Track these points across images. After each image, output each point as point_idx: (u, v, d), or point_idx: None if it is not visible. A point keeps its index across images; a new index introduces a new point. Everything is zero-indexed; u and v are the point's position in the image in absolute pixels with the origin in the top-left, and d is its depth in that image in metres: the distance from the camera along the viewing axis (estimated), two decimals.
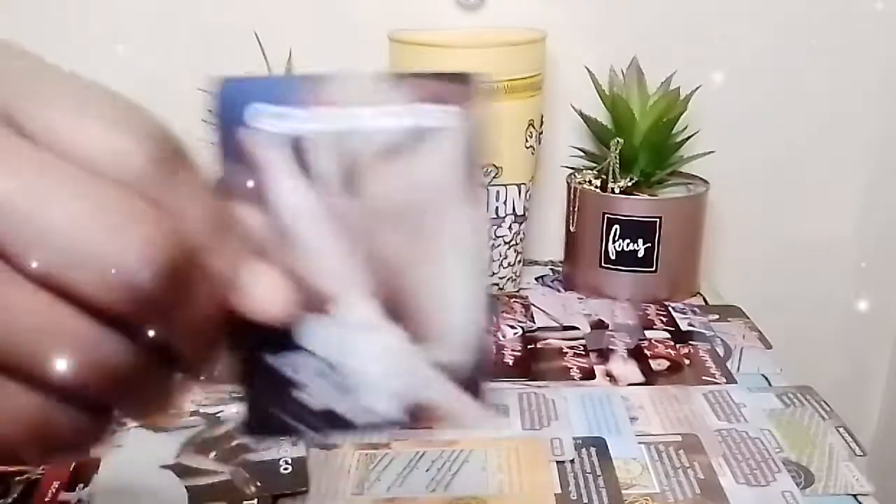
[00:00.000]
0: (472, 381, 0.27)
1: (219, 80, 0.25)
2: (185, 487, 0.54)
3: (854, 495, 0.55)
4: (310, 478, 0.55)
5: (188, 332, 0.23)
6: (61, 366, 0.20)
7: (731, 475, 0.57)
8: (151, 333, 0.22)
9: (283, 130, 0.25)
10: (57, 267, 0.20)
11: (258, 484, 0.54)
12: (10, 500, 0.54)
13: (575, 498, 0.54)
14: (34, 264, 0.20)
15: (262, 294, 0.24)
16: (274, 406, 0.26)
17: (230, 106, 0.25)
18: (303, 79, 0.25)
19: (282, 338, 0.25)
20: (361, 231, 0.25)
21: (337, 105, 0.25)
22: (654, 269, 0.85)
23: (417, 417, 0.27)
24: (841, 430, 0.63)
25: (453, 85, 0.26)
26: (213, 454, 0.57)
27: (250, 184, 0.25)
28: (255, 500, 0.53)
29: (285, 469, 0.56)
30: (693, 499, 0.54)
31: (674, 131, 0.86)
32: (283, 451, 0.57)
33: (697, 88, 0.86)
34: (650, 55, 0.88)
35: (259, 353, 0.25)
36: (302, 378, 0.26)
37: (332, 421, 0.26)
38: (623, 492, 0.55)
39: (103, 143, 0.21)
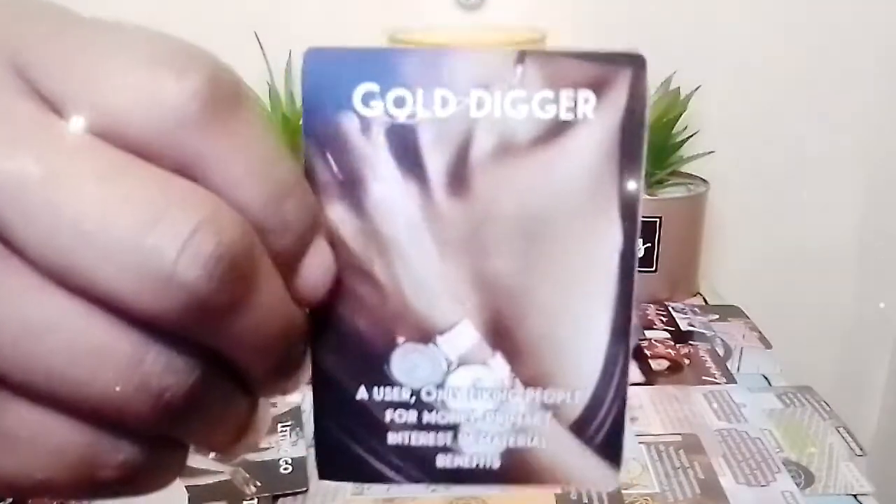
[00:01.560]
0: (597, 434, 0.22)
1: (314, 52, 0.20)
2: (185, 487, 0.54)
3: (854, 495, 0.55)
4: (309, 478, 0.55)
5: (256, 343, 0.18)
6: (101, 389, 0.16)
7: (731, 475, 0.57)
8: (209, 346, 0.17)
9: (396, 119, 0.20)
10: (85, 266, 0.15)
11: (258, 484, 0.54)
12: (9, 500, 0.54)
13: (575, 498, 0.54)
14: (58, 263, 0.16)
15: (311, 276, 0.19)
16: (357, 446, 0.22)
17: (331, 85, 0.20)
18: (419, 56, 0.21)
19: (370, 367, 0.21)
20: (472, 243, 0.21)
21: (458, 89, 0.20)
22: (654, 269, 0.85)
23: (517, 469, 0.22)
24: (841, 430, 0.63)
25: (604, 66, 0.21)
26: (213, 454, 0.57)
27: (342, 178, 0.20)
28: (255, 500, 0.53)
29: (285, 469, 0.56)
30: (693, 499, 0.54)
31: (674, 131, 0.86)
32: (283, 451, 0.57)
33: (697, 88, 0.86)
34: (650, 55, 0.88)
35: (341, 383, 0.21)
36: (391, 415, 0.22)
37: (420, 465, 0.22)
38: (623, 492, 0.55)
39: (134, 86, 0.16)
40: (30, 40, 0.17)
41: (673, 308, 0.84)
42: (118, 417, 0.17)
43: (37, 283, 0.16)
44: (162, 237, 0.15)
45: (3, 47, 0.16)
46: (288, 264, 0.18)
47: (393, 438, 0.22)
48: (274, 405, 0.63)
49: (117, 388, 0.16)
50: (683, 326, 0.80)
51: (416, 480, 0.22)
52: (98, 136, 0.16)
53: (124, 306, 0.16)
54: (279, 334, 0.18)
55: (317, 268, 0.19)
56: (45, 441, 0.17)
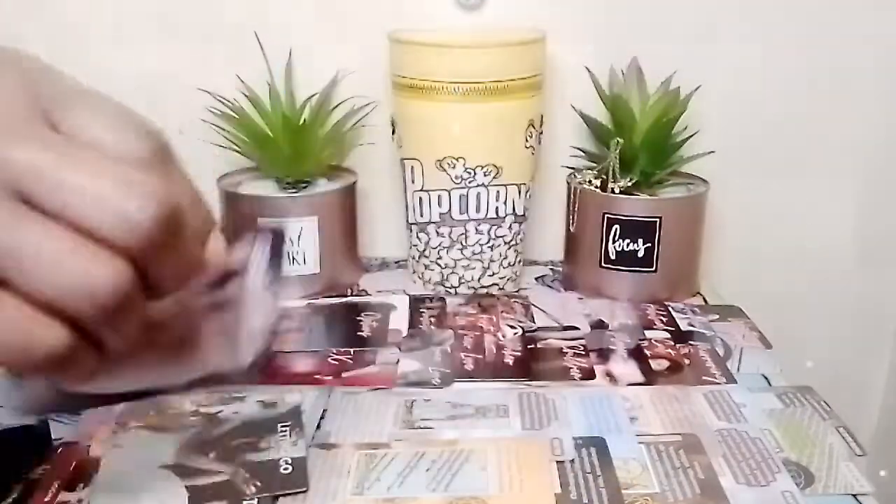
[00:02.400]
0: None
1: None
2: (185, 487, 0.54)
3: (854, 495, 0.55)
4: (309, 478, 0.55)
5: (176, 277, 0.32)
6: (77, 288, 0.28)
7: (731, 475, 0.57)
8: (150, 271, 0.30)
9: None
10: (81, 210, 0.27)
11: (258, 484, 0.54)
12: (10, 499, 0.54)
13: (575, 498, 0.54)
14: (61, 205, 0.27)
15: (213, 251, 0.35)
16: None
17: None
18: None
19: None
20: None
21: None
22: (654, 269, 0.85)
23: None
24: (841, 430, 0.63)
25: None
26: (213, 454, 0.57)
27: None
28: (255, 500, 0.53)
29: (285, 469, 0.56)
30: (693, 499, 0.54)
31: (674, 131, 0.86)
32: (282, 451, 0.58)
33: (697, 88, 0.86)
34: (650, 55, 0.88)
35: None
36: None
37: None
38: (623, 492, 0.55)
39: (116, 139, 0.29)
40: (52, 97, 0.30)
41: (673, 308, 0.84)
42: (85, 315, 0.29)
43: (41, 218, 0.28)
44: (130, 194, 0.28)
45: (43, 108, 0.29)
46: (202, 239, 0.34)
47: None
48: (273, 405, 0.63)
49: (92, 291, 0.28)
50: (683, 326, 0.80)
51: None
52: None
53: (104, 237, 0.28)
54: (192, 269, 0.33)
55: (216, 246, 0.35)
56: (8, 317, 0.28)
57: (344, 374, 0.71)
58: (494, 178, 0.84)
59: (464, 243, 0.86)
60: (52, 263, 0.27)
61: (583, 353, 0.75)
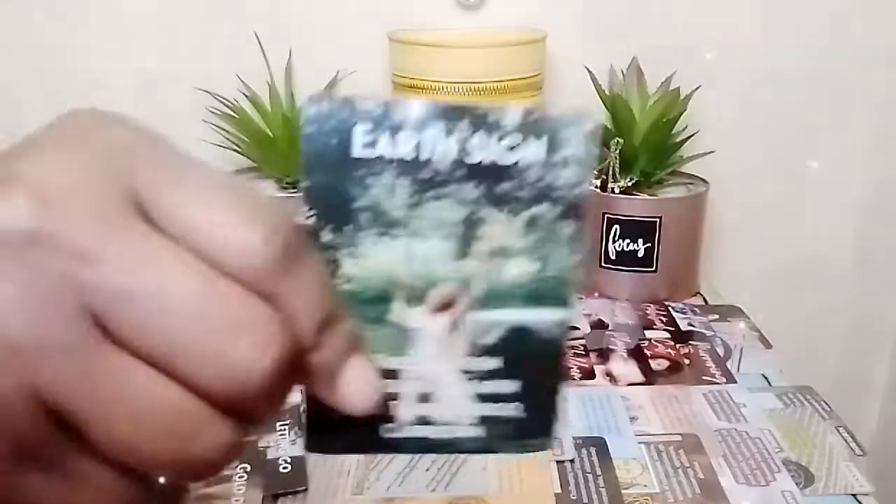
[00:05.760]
0: None
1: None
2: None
3: (854, 495, 0.55)
4: (309, 477, 0.55)
5: (272, 414, 0.24)
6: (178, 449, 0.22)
7: (731, 475, 0.57)
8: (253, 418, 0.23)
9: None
10: (184, 362, 0.21)
11: (258, 483, 0.54)
12: None
13: (575, 498, 0.54)
14: (161, 359, 0.21)
15: (354, 388, 0.24)
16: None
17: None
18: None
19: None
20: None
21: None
22: (654, 269, 0.85)
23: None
24: (841, 430, 0.63)
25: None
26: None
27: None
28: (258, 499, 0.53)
29: (284, 468, 0.56)
30: (693, 499, 0.54)
31: (674, 131, 0.86)
32: (282, 450, 0.57)
33: (697, 88, 0.86)
34: (650, 55, 0.88)
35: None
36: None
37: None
38: (623, 492, 0.55)
39: (232, 240, 0.22)
40: (152, 182, 0.22)
41: (673, 308, 0.84)
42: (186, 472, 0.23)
43: (133, 364, 0.21)
44: (238, 345, 0.21)
45: (127, 185, 0.21)
46: (330, 375, 0.24)
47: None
48: None
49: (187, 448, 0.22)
50: (683, 326, 0.80)
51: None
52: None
53: (207, 392, 0.21)
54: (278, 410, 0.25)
55: (357, 380, 0.24)
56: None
57: None
58: None
59: None
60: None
61: (583, 353, 0.75)
